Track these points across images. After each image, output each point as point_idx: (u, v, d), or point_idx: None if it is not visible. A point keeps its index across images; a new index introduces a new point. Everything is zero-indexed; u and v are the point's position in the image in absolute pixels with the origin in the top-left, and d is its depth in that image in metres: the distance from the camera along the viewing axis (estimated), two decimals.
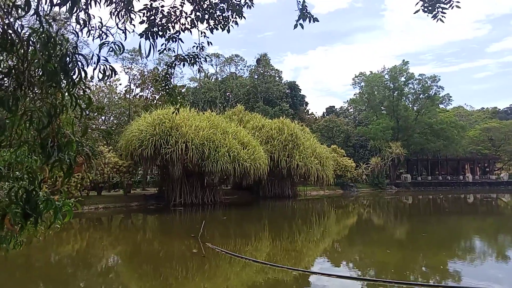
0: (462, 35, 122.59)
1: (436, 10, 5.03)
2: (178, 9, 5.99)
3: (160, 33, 6.06)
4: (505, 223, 21.32)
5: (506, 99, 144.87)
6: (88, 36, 3.58)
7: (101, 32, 3.68)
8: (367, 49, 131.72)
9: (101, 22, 3.61)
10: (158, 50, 6.16)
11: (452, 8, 4.95)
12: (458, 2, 4.91)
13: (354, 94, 54.33)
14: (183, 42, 6.18)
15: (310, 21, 5.21)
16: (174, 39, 6.10)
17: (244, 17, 6.13)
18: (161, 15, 6.03)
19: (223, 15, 6.12)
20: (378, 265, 11.09)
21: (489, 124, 54.60)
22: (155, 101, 38.27)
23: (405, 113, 47.93)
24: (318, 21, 5.18)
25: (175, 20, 6.03)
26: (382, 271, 10.71)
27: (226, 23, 6.24)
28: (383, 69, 50.67)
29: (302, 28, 5.25)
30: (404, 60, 49.66)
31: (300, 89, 55.90)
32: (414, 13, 5.11)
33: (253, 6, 6.07)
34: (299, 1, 5.17)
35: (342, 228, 19.59)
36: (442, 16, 5.06)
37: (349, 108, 58.76)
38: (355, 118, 55.28)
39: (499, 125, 53.67)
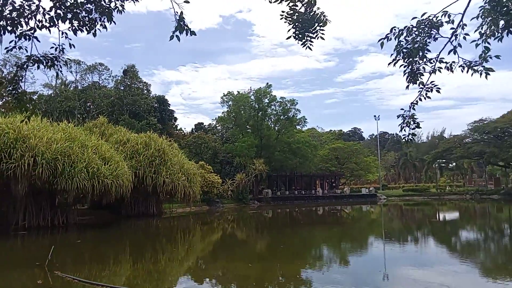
0: (316, 64, 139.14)
1: (305, 38, 5.64)
2: (33, 3, 5.28)
3: (9, 28, 5.24)
4: (347, 232, 24.51)
5: (350, 123, 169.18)
6: None
7: None
8: (236, 70, 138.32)
9: None
10: (6, 48, 5.33)
11: (317, 38, 5.60)
12: (323, 34, 5.57)
13: (222, 112, 56.13)
14: (39, 42, 5.45)
15: (187, 34, 5.16)
16: (27, 37, 5.33)
17: (114, 22, 5.74)
18: (11, 7, 5.22)
19: (90, 16, 5.62)
20: (240, 278, 11.44)
21: (336, 144, 62.70)
22: None
23: (268, 132, 51.54)
24: (195, 34, 5.17)
25: (30, 16, 5.29)
26: (244, 285, 11.08)
27: (92, 25, 5.74)
28: (249, 90, 53.74)
29: (179, 40, 5.17)
30: (268, 83, 53.71)
31: (169, 104, 55.16)
32: (287, 38, 5.61)
33: (124, 11, 5.73)
34: (177, 12, 5.10)
35: (206, 245, 19.70)
36: (311, 44, 5.67)
37: (217, 125, 60.31)
38: (223, 135, 57.02)
39: (344, 146, 62.12)
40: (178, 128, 58.58)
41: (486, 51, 5.14)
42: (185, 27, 5.09)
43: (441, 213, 37.94)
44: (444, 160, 66.08)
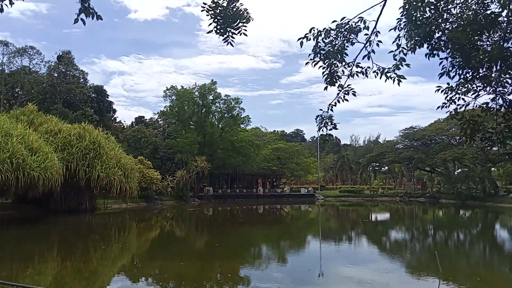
0: (263, 65, 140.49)
1: (228, 33, 5.48)
2: None
3: None
4: (285, 231, 24.96)
5: (293, 124, 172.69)
6: None
7: None
8: (182, 64, 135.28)
9: None
10: None
11: (240, 34, 5.47)
12: (245, 31, 5.45)
13: (165, 107, 54.57)
14: None
15: (93, 18, 4.70)
16: None
17: None
18: None
19: None
20: (178, 277, 11.09)
21: (278, 145, 63.84)
22: None
23: (211, 129, 51.05)
24: (101, 19, 4.71)
25: None
26: (181, 283, 10.75)
27: None
28: (194, 85, 52.81)
29: (84, 23, 4.67)
30: (212, 80, 53.28)
31: (108, 95, 52.48)
32: (208, 32, 5.42)
33: None
34: None
35: (143, 243, 18.95)
36: (232, 40, 5.51)
37: (159, 120, 58.51)
38: (165, 130, 55.44)
39: (285, 146, 63.44)
40: (117, 120, 56.00)
41: (402, 61, 5.38)
42: (92, 11, 4.63)
43: (373, 213, 40.12)
44: (377, 164, 70.05)
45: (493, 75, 5.46)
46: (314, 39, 5.50)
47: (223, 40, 5.48)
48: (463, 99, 5.51)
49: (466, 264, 14.52)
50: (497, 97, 5.39)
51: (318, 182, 68.13)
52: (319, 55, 5.59)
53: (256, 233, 23.19)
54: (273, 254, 16.36)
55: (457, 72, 5.55)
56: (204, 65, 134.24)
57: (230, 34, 5.48)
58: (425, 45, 5.46)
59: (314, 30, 5.50)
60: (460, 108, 5.52)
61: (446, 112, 5.62)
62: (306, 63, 5.68)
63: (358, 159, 74.82)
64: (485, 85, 5.45)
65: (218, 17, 5.33)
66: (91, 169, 27.81)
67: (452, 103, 5.55)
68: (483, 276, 12.07)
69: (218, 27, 5.42)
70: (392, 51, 5.50)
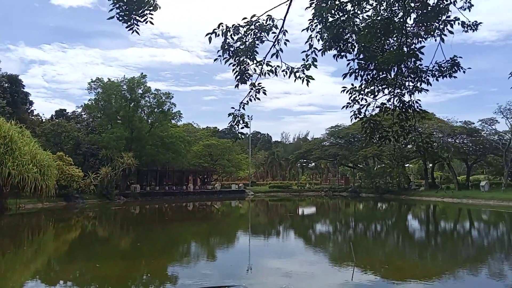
0: (197, 60, 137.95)
1: (132, 21, 5.06)
2: None
3: None
4: (214, 227, 24.92)
5: (227, 121, 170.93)
6: None
7: None
8: (111, 56, 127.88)
9: None
10: None
11: (146, 22, 5.09)
12: (152, 19, 5.07)
13: (89, 100, 51.15)
14: None
15: None
16: None
17: None
18: None
19: None
20: (101, 279, 10.50)
21: (210, 141, 63.41)
22: None
23: (140, 124, 49.03)
24: None
25: None
26: (104, 285, 10.20)
27: None
28: (123, 78, 50.24)
29: None
30: (142, 73, 51.04)
31: (24, 85, 47.71)
32: (108, 19, 4.97)
33: None
34: None
35: (61, 244, 17.64)
36: (137, 29, 5.09)
37: (83, 114, 54.76)
38: (89, 125, 52.06)
39: (217, 143, 63.24)
40: (35, 113, 51.33)
41: (314, 61, 5.48)
42: None
43: (300, 208, 41.73)
44: (305, 160, 72.93)
45: (390, 77, 5.76)
46: (223, 35, 5.36)
47: (126, 27, 5.12)
48: (365, 99, 5.71)
49: (382, 253, 15.71)
50: (395, 98, 5.72)
51: (249, 178, 69.07)
52: (228, 52, 5.46)
53: (185, 230, 22.83)
54: (202, 251, 16.24)
55: (360, 74, 5.76)
56: (134, 58, 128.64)
57: (135, 22, 5.14)
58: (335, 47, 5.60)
59: (222, 26, 5.37)
60: (362, 108, 5.72)
61: (350, 111, 5.78)
62: (215, 60, 5.52)
63: (288, 156, 77.17)
64: (384, 86, 5.72)
65: (121, 3, 4.97)
66: (1, 166, 25.17)
67: (356, 103, 5.71)
68: (394, 264, 13.17)
69: (122, 13, 5.05)
70: (305, 51, 5.54)
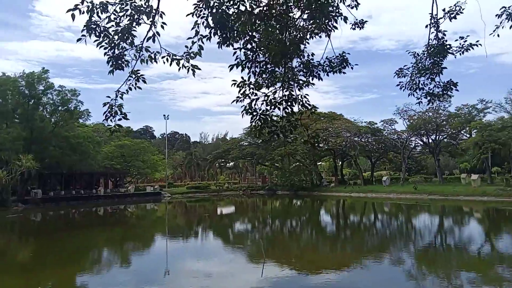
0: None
1: None
2: None
3: None
4: (128, 231, 23.64)
5: (143, 120, 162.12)
6: None
7: None
8: (8, 48, 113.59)
9: None
10: None
11: None
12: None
13: None
14: None
15: None
16: None
17: None
18: None
19: None
20: None
21: (123, 141, 60.06)
22: None
23: (41, 124, 44.47)
24: None
25: None
26: None
27: None
28: (22, 73, 45.04)
29: None
30: (44, 68, 46.25)
31: None
32: None
33: None
34: None
35: None
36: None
37: None
38: None
39: (131, 143, 60.17)
40: None
41: (201, 49, 5.09)
42: None
43: (219, 208, 41.69)
44: (223, 160, 73.13)
45: (279, 70, 5.63)
46: (88, 13, 4.70)
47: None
48: (255, 93, 5.43)
49: (296, 247, 16.36)
50: (282, 92, 5.53)
51: (166, 179, 67.04)
52: (94, 32, 4.81)
53: (95, 237, 21.27)
54: (115, 258, 15.26)
55: (247, 66, 5.46)
56: (37, 52, 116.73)
57: None
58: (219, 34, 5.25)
59: (87, 2, 4.67)
60: (251, 102, 5.43)
61: (241, 106, 5.43)
62: (78, 40, 4.83)
63: (207, 156, 76.62)
64: (272, 80, 5.54)
65: None
66: None
67: (247, 97, 5.42)
68: (307, 256, 13.81)
69: None
70: (191, 38, 5.16)
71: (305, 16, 5.91)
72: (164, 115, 64.85)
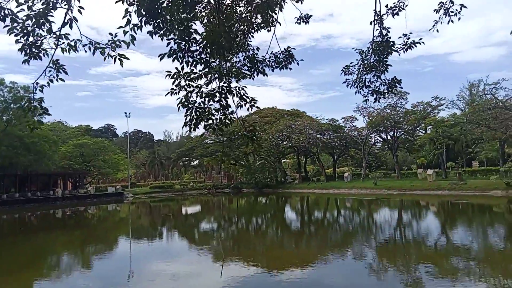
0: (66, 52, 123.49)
1: None
2: None
3: None
4: (89, 234, 22.82)
5: (104, 119, 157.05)
6: None
7: None
8: None
9: None
10: None
11: None
12: None
13: None
14: None
15: None
16: None
17: None
18: None
19: None
20: None
21: (82, 140, 57.80)
22: None
23: None
24: None
25: None
26: None
27: None
28: None
29: None
30: None
31: None
32: None
33: None
34: None
35: None
36: None
37: None
38: None
39: (90, 142, 57.99)
40: None
41: (133, 39, 4.84)
42: None
43: (183, 207, 41.15)
44: (187, 158, 72.16)
45: (214, 61, 5.41)
46: None
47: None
48: (192, 85, 5.15)
49: (261, 244, 16.46)
50: (220, 82, 5.29)
51: (128, 179, 65.24)
52: (3, 19, 4.39)
53: (53, 240, 20.38)
54: (75, 261, 14.69)
55: (179, 56, 5.17)
56: None
57: None
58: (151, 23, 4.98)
59: None
60: (187, 94, 5.15)
61: (177, 99, 5.11)
62: (5, 27, 4.46)
63: (171, 155, 75.33)
64: (208, 71, 5.26)
65: None
66: None
67: (182, 89, 5.11)
68: (272, 253, 13.94)
69: None
70: (122, 27, 4.83)
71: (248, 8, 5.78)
72: (125, 113, 62.84)
